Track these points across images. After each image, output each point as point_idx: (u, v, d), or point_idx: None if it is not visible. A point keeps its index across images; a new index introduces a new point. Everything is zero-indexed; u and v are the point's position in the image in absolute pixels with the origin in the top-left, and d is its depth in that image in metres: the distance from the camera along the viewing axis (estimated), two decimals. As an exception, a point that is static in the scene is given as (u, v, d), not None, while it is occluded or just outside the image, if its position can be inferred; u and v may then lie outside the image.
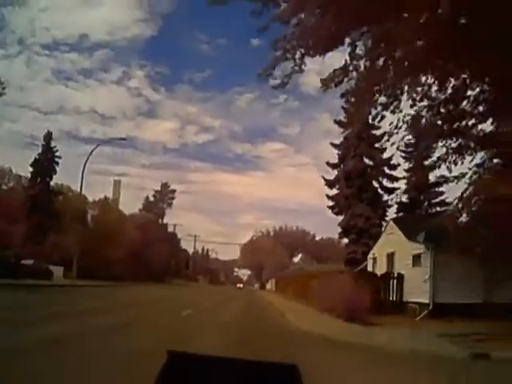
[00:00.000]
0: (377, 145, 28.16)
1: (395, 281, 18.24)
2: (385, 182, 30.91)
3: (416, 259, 16.91)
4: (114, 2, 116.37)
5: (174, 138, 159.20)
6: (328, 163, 32.76)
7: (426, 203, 29.49)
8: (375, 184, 31.04)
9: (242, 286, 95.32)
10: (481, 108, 10.75)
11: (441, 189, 27.57)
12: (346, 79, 9.04)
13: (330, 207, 31.66)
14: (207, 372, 1.21)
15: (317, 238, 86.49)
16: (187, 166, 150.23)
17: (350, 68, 8.89)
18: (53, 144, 44.58)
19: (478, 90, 10.26)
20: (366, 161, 30.34)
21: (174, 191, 69.52)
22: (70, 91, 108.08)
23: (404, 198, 28.69)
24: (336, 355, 8.28)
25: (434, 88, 9.80)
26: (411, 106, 10.30)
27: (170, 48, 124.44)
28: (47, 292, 21.35)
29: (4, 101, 78.92)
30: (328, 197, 32.33)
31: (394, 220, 20.98)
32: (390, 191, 29.97)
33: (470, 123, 11.11)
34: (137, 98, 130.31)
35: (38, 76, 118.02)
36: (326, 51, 8.74)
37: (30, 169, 43.38)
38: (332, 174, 32.60)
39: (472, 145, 11.34)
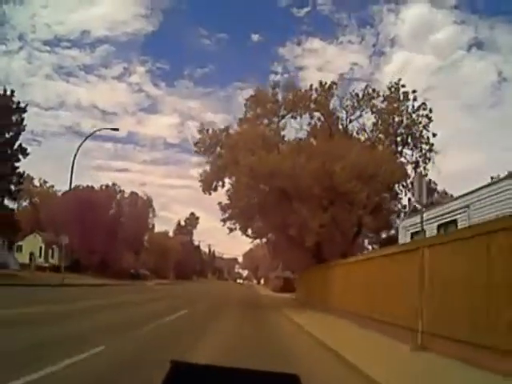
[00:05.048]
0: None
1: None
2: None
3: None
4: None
5: (174, 134, 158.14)
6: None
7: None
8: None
9: (242, 281, 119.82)
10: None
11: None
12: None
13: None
14: (209, 382, 1.23)
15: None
16: (188, 160, 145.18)
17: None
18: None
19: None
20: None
21: (197, 218, 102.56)
22: (71, 87, 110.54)
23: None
24: (265, 297, 40.87)
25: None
26: None
27: (171, 43, 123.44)
28: (167, 285, 54.17)
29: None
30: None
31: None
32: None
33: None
34: (137, 93, 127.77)
35: (38, 72, 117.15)
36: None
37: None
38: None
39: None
